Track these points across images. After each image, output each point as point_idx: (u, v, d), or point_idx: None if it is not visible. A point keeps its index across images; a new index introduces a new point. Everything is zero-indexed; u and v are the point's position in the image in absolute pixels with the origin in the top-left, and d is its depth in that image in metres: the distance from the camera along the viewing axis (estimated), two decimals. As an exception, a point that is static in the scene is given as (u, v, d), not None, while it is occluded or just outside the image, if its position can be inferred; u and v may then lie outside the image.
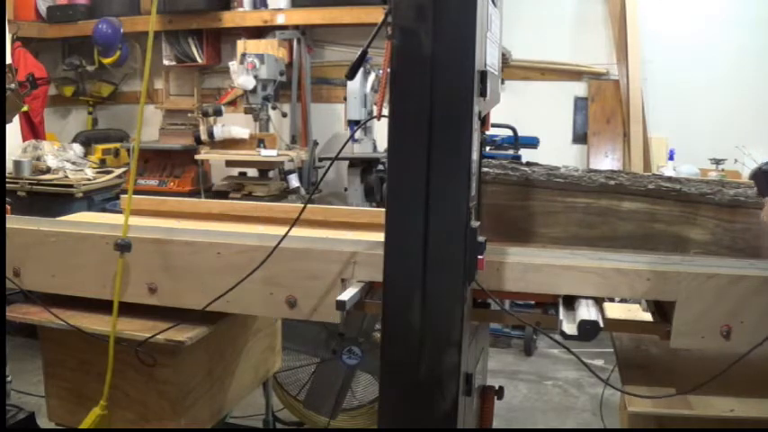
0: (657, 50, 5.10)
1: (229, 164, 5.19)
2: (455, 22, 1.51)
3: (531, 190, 2.12)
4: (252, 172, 5.16)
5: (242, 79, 4.71)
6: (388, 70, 1.55)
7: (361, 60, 1.75)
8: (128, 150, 5.51)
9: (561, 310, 1.75)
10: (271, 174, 5.11)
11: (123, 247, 1.92)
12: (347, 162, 4.66)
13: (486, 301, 2.04)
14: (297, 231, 1.83)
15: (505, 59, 5.02)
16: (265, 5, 5.37)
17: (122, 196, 2.97)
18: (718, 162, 4.61)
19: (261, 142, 4.95)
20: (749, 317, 1.69)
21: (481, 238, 1.59)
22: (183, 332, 1.92)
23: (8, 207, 2.58)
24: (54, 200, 4.01)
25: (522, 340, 4.52)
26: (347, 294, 1.75)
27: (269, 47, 4.98)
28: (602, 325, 1.65)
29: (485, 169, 2.05)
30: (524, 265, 1.80)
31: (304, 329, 2.80)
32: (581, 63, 5.30)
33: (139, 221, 2.18)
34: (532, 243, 1.99)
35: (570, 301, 1.78)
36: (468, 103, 1.53)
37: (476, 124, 1.57)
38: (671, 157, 4.78)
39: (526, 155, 4.56)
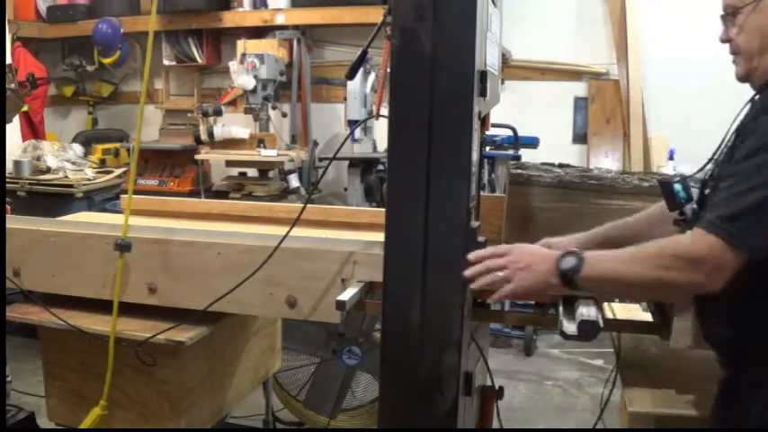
0: (657, 50, 5.09)
1: (229, 164, 5.19)
2: (455, 22, 1.51)
3: (566, 192, 2.12)
4: (252, 172, 5.16)
5: (242, 79, 4.71)
6: (388, 70, 1.55)
7: (361, 60, 1.75)
8: (128, 150, 5.51)
9: (561, 310, 1.75)
10: (271, 174, 5.11)
11: (123, 247, 1.92)
12: (347, 162, 4.65)
13: (486, 301, 2.03)
14: (297, 231, 1.83)
15: (505, 59, 5.02)
16: (265, 5, 5.37)
17: (122, 196, 2.97)
18: (718, 162, 4.60)
19: (261, 142, 4.95)
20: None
21: (481, 239, 1.59)
22: (184, 332, 1.92)
23: (8, 207, 2.59)
24: (54, 200, 4.00)
25: (522, 340, 4.52)
26: (347, 294, 1.75)
27: (269, 47, 4.98)
28: (602, 325, 1.65)
29: (518, 171, 2.06)
30: (524, 265, 1.80)
31: (304, 329, 2.80)
32: (581, 63, 5.29)
33: (139, 221, 2.18)
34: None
35: (570, 301, 1.78)
36: (468, 103, 1.54)
37: (476, 124, 1.58)
38: (671, 157, 4.77)
39: (526, 155, 4.56)
